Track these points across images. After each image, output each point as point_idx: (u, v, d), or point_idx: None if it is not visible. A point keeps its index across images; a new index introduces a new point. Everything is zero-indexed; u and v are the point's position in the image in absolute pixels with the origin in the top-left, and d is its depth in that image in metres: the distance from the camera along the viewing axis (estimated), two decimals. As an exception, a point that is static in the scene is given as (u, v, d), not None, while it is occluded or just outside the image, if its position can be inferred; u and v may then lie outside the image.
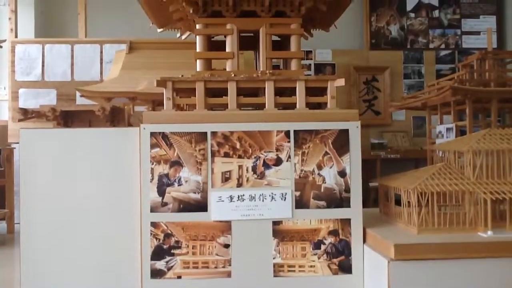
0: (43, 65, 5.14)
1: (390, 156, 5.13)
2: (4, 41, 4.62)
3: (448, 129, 2.95)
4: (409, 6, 5.89)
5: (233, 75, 2.13)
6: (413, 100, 3.24)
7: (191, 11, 2.21)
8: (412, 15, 5.89)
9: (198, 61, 2.24)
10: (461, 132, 2.88)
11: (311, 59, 5.70)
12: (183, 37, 2.69)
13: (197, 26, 2.23)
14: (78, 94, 4.24)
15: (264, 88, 2.12)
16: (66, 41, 5.23)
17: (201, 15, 2.22)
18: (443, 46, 5.89)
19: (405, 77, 5.78)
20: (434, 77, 5.54)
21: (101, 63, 5.14)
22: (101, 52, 5.16)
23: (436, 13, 5.91)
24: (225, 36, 2.25)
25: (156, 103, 3.67)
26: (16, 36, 5.26)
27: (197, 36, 2.24)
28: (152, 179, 1.99)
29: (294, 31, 2.23)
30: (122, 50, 4.37)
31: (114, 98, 3.74)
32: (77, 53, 5.17)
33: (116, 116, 2.20)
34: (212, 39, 2.38)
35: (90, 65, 5.14)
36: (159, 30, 2.66)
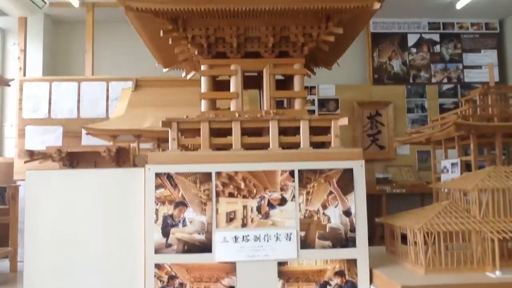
0: (50, 103, 5.20)
1: (396, 191, 5.09)
2: (13, 80, 4.69)
3: (453, 164, 2.94)
4: (411, 42, 5.97)
5: (237, 115, 2.15)
6: (417, 136, 3.24)
7: (196, 53, 2.25)
8: (414, 50, 5.96)
9: (203, 101, 2.27)
10: (466, 166, 2.86)
11: (315, 94, 5.75)
12: (188, 76, 2.73)
13: (202, 67, 2.27)
14: (84, 131, 4.26)
15: (268, 127, 2.13)
16: (73, 79, 5.30)
17: (206, 56, 2.26)
18: (445, 80, 5.94)
19: (408, 111, 5.81)
20: (437, 111, 5.57)
21: (107, 100, 5.19)
22: (107, 89, 5.22)
23: (437, 48, 5.98)
24: (229, 76, 2.28)
25: (161, 140, 3.69)
26: (24, 75, 5.35)
27: (202, 77, 2.28)
28: (157, 220, 1.99)
29: (297, 71, 2.26)
30: (128, 87, 4.41)
31: (119, 136, 3.76)
32: (84, 90, 5.22)
33: (121, 157, 2.22)
34: (217, 78, 2.42)
35: (96, 103, 5.19)
36: (164, 70, 2.71)
